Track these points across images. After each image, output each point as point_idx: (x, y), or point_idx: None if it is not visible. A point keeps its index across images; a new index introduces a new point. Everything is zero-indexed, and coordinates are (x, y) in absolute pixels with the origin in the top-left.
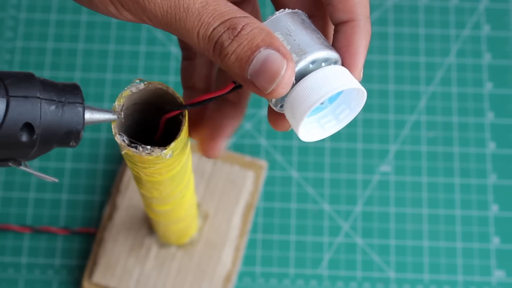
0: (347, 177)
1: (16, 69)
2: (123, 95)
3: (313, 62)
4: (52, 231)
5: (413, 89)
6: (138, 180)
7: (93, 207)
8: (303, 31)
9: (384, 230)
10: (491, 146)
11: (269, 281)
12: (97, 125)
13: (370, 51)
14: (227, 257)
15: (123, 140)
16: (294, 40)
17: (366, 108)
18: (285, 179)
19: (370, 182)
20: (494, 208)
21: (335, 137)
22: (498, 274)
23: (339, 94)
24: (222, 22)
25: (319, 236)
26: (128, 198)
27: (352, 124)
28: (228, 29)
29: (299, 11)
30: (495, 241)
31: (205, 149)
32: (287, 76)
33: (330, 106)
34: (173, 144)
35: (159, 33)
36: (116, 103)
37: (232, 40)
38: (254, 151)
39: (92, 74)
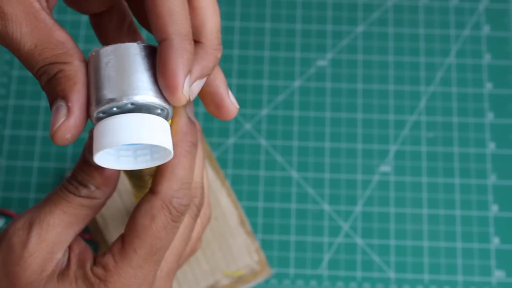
0: (347, 177)
1: (15, 68)
2: None
3: (132, 104)
4: None
5: (413, 89)
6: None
7: None
8: (133, 69)
9: (384, 230)
10: (491, 146)
11: (269, 281)
12: None
13: (370, 51)
14: (226, 204)
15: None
16: (116, 78)
17: (366, 108)
18: (285, 179)
19: (370, 182)
20: (494, 208)
21: (335, 137)
22: (498, 274)
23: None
24: (43, 66)
25: (319, 236)
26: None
27: (352, 124)
28: (45, 73)
29: (137, 44)
30: (495, 241)
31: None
32: (60, 130)
33: (137, 144)
34: None
35: None
36: None
37: (46, 82)
38: (254, 151)
39: None
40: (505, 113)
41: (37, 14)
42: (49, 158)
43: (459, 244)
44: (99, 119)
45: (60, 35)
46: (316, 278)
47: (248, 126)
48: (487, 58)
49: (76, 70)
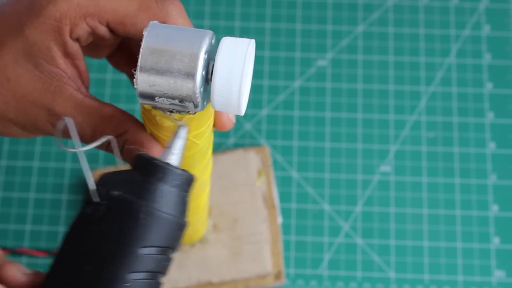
0: (347, 177)
1: None
2: None
3: (205, 52)
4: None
5: (413, 89)
6: None
7: None
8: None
9: (384, 230)
10: (491, 146)
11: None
12: None
13: (370, 51)
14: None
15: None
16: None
17: (366, 108)
18: (285, 179)
19: (370, 182)
20: (494, 208)
21: (335, 137)
22: (498, 274)
23: None
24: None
25: (319, 236)
26: None
27: (352, 124)
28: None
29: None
30: (495, 241)
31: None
32: None
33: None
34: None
35: None
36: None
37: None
38: None
39: (92, 74)
40: (505, 113)
41: (83, 103)
42: (49, 158)
43: (459, 244)
44: None
45: (108, 110)
46: (316, 278)
47: (248, 126)
48: (487, 58)
49: (136, 132)
